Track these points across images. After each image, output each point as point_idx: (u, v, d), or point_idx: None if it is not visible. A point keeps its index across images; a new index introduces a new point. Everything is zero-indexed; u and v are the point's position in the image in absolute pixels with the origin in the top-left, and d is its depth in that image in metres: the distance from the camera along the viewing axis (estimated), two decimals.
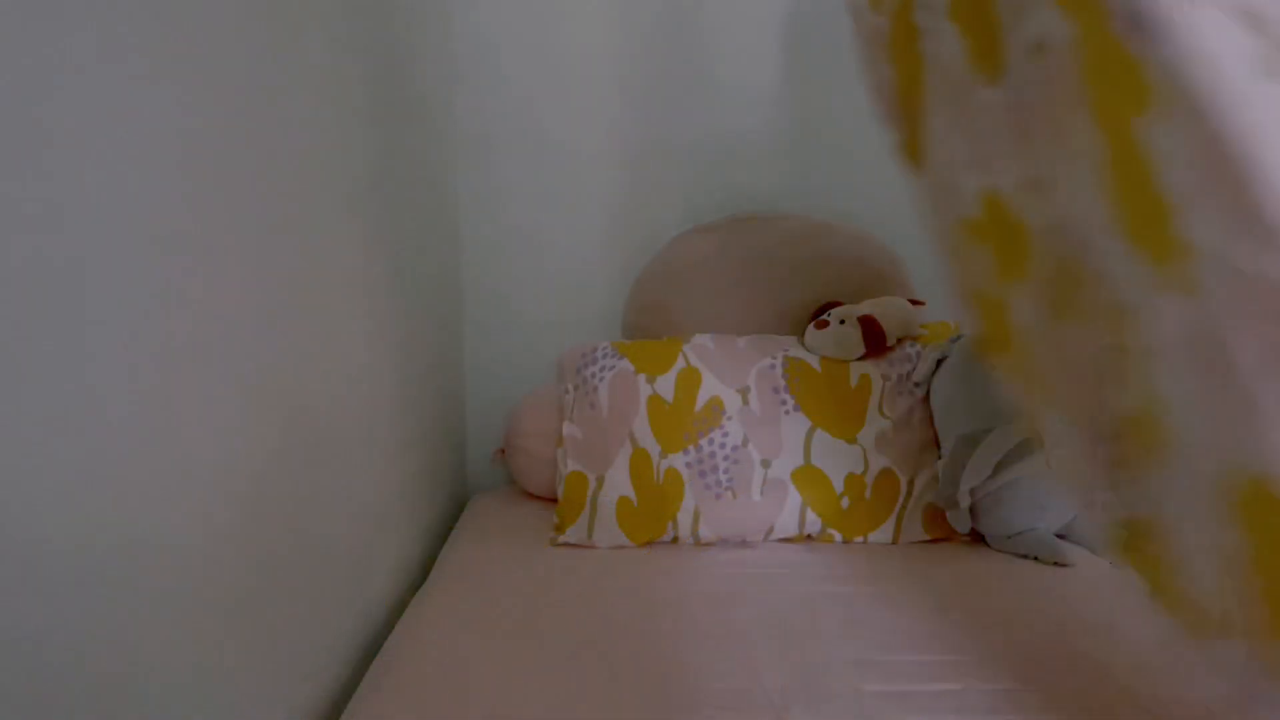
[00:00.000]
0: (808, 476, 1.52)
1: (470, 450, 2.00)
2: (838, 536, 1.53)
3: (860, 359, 1.61)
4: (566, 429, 1.63)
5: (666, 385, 1.57)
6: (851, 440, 1.55)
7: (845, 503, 1.52)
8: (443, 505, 1.77)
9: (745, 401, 1.56)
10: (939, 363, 1.61)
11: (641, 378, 1.59)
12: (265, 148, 0.95)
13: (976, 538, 1.54)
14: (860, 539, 1.53)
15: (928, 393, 1.61)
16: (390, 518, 1.40)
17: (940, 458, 1.57)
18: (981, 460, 1.49)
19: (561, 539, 1.53)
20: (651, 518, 1.51)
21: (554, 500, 1.72)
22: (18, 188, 0.59)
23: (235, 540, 0.89)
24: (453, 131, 1.86)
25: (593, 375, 1.63)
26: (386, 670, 1.10)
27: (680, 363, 1.59)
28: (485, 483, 2.00)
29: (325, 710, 1.11)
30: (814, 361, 1.61)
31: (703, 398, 1.56)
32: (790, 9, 1.87)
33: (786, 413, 1.55)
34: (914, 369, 1.62)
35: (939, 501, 1.53)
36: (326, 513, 1.13)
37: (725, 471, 1.52)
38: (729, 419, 1.54)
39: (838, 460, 1.54)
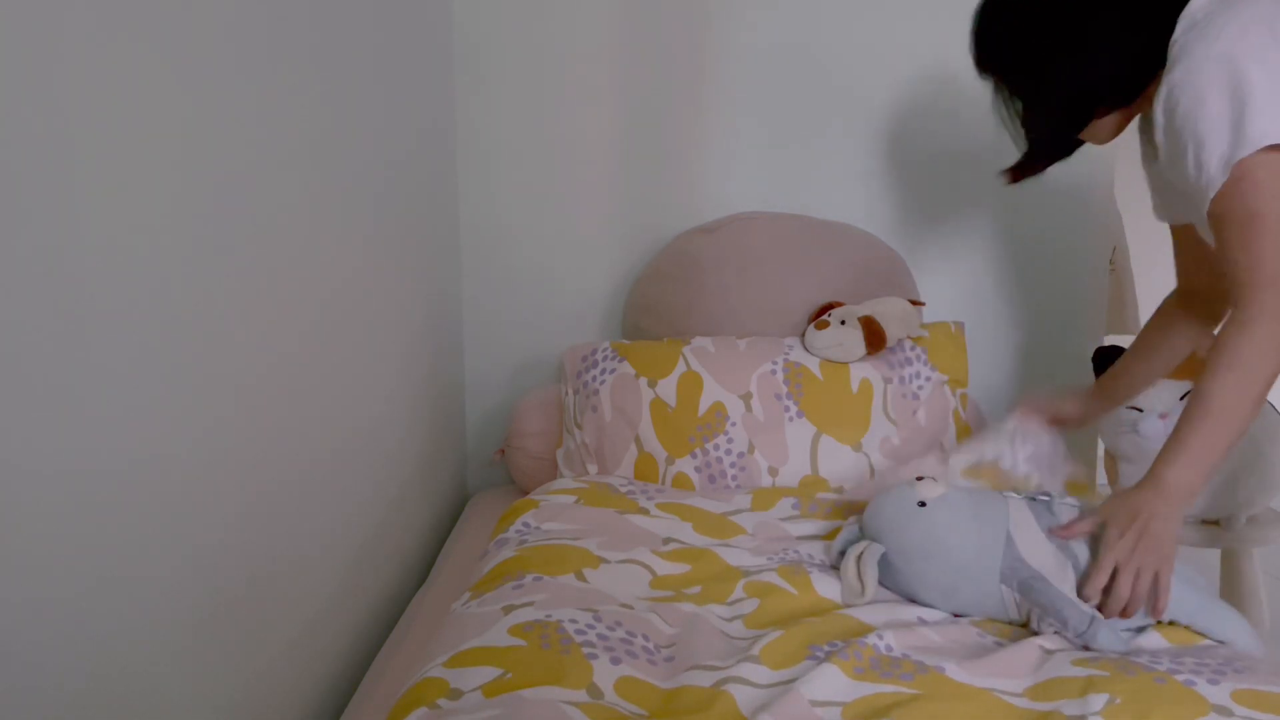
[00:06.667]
0: (815, 487, 1.51)
1: (470, 450, 2.00)
2: None
3: (860, 359, 1.61)
4: (574, 434, 1.62)
5: (668, 389, 1.57)
6: (856, 445, 1.55)
7: None
8: (443, 505, 1.77)
9: (748, 408, 1.55)
10: None
11: (643, 381, 1.58)
12: (264, 150, 0.95)
13: None
14: None
15: None
16: (391, 517, 1.40)
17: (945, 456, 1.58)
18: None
19: None
20: None
21: None
22: (17, 186, 0.59)
23: (236, 539, 0.89)
24: (453, 132, 1.86)
25: (593, 379, 1.62)
26: (386, 667, 1.10)
27: (681, 366, 1.59)
28: (485, 483, 2.00)
29: (325, 708, 1.11)
30: (814, 366, 1.60)
31: (705, 403, 1.55)
32: (790, 9, 1.87)
33: (790, 419, 1.55)
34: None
35: None
36: (327, 512, 1.13)
37: (734, 478, 1.52)
38: (732, 424, 1.54)
39: (844, 468, 1.53)
